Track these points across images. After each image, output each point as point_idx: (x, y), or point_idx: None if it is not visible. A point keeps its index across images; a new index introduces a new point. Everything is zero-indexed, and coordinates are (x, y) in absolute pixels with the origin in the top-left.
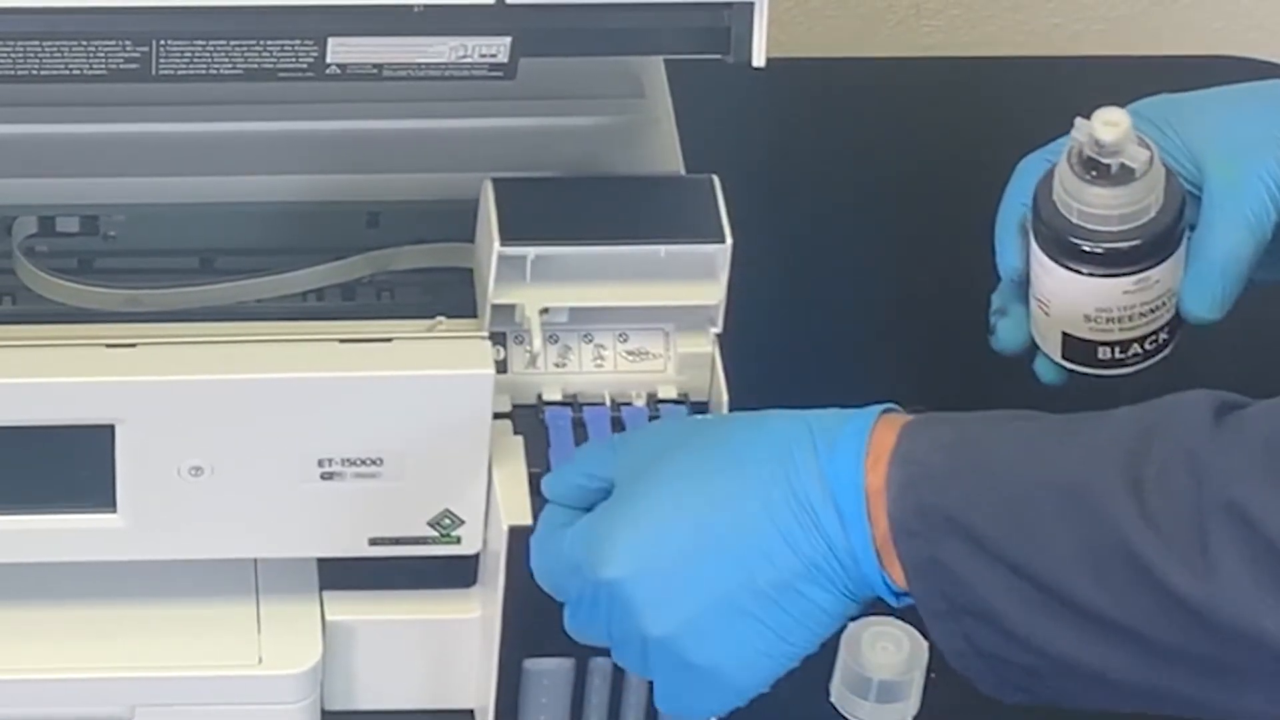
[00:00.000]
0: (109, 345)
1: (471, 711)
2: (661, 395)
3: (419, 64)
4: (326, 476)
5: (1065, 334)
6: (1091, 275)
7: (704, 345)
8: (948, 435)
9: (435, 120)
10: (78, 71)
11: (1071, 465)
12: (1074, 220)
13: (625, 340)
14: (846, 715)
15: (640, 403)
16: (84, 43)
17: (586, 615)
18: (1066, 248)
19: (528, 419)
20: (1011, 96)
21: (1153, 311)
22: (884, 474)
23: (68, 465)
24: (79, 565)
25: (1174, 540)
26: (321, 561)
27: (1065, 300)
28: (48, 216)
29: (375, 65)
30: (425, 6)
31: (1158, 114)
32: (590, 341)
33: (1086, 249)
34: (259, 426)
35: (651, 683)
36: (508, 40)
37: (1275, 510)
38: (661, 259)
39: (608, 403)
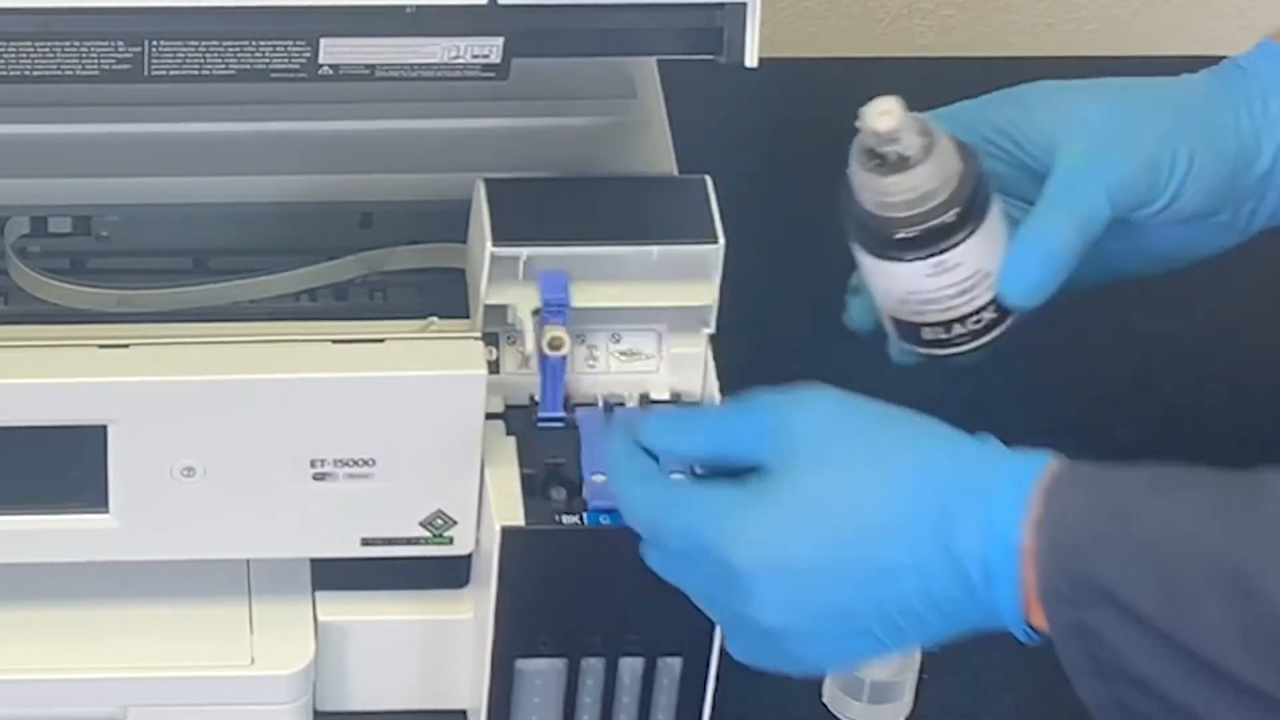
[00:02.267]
0: (101, 346)
1: (464, 712)
2: (654, 396)
3: (411, 64)
4: (319, 477)
5: (891, 317)
6: (890, 260)
7: (696, 346)
8: (1099, 501)
9: (428, 121)
10: (70, 72)
11: (1229, 545)
12: (867, 209)
13: (618, 340)
14: (839, 716)
15: (633, 403)
16: (77, 43)
17: (685, 572)
18: (864, 235)
19: (520, 420)
20: None
21: (965, 293)
22: (1036, 537)
23: (60, 466)
24: (71, 566)
25: None
26: (314, 562)
27: (880, 285)
28: (40, 217)
29: (368, 66)
30: (417, 7)
31: (1033, 98)
32: (583, 342)
33: (880, 235)
34: (251, 427)
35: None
36: (500, 41)
37: None
38: (654, 260)
39: (600, 403)
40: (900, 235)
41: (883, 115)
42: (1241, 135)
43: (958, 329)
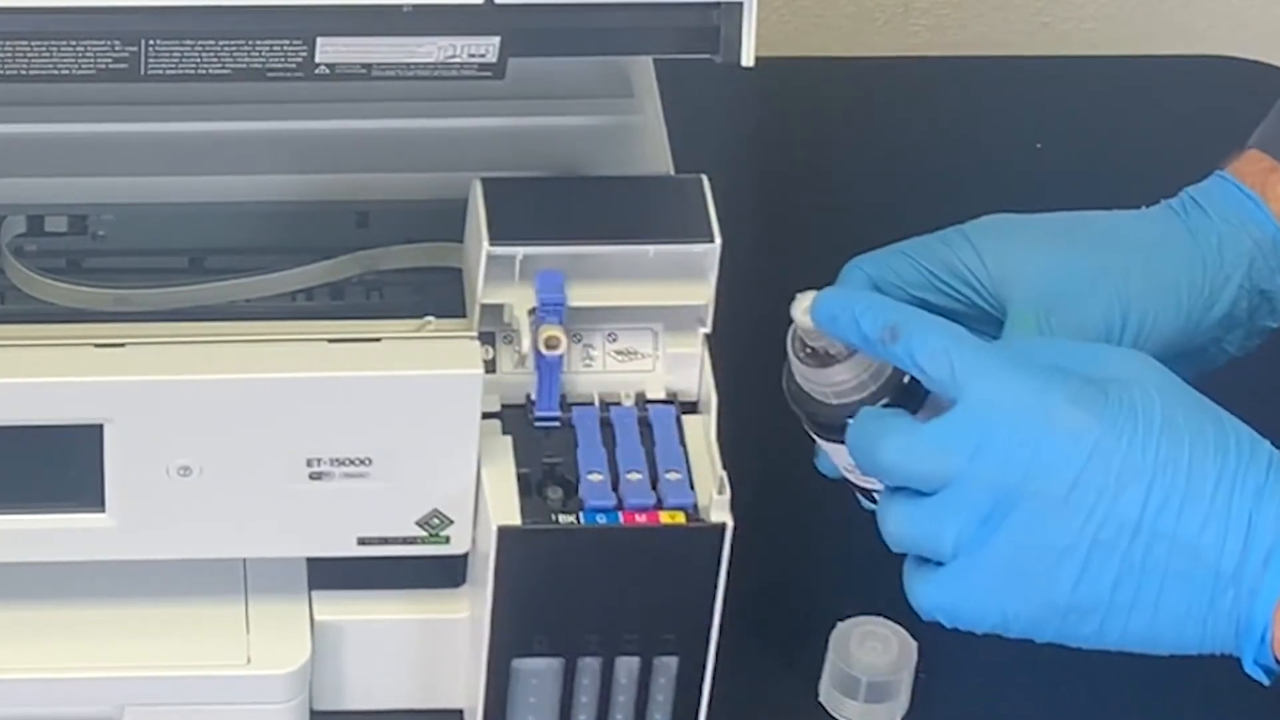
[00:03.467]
0: (98, 345)
1: (460, 711)
2: (650, 395)
3: (408, 64)
4: (315, 476)
5: (845, 479)
6: (825, 440)
7: (693, 345)
8: None
9: (424, 120)
10: (66, 71)
11: None
12: (802, 389)
13: (614, 340)
14: (835, 716)
15: (629, 403)
16: (73, 42)
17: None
18: (802, 412)
19: (516, 419)
20: (999, 96)
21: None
22: None
23: (56, 465)
24: (67, 565)
25: None
26: (310, 561)
27: (826, 453)
28: (36, 216)
29: (364, 65)
30: (414, 6)
31: (986, 243)
32: (579, 341)
33: (813, 417)
34: (248, 426)
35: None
36: (496, 40)
37: None
38: (650, 259)
39: (596, 403)
40: (827, 421)
41: (804, 314)
42: (1195, 290)
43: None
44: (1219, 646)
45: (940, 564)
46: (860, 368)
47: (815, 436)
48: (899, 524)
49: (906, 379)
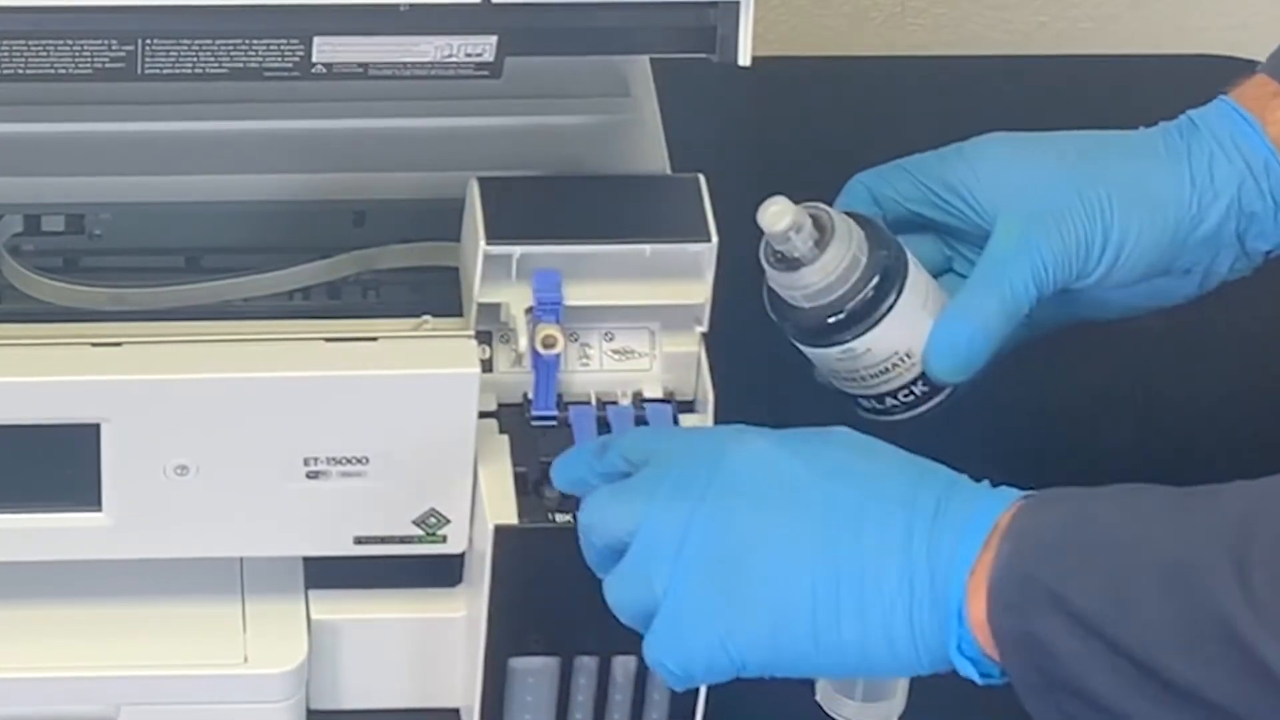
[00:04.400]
0: (94, 344)
1: (457, 710)
2: (647, 394)
3: (405, 63)
4: (312, 475)
5: (830, 382)
6: (804, 345)
7: (690, 344)
8: (1062, 511)
9: (421, 119)
10: (64, 70)
11: (1177, 543)
12: (779, 296)
13: (611, 339)
14: (832, 715)
15: (625, 401)
16: (70, 42)
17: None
18: (779, 319)
19: (513, 418)
20: (996, 95)
21: (883, 374)
22: (995, 548)
23: (53, 464)
24: (64, 564)
25: (1278, 622)
26: (307, 560)
27: (811, 359)
28: (33, 215)
29: (361, 64)
30: (411, 6)
31: (981, 160)
32: (576, 340)
33: (790, 322)
34: (245, 425)
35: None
36: (493, 39)
37: None
38: (647, 258)
39: (593, 401)
40: (801, 326)
41: (773, 216)
42: (1183, 205)
43: (890, 401)
44: (932, 649)
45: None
46: (827, 270)
47: (798, 344)
48: (613, 591)
49: (874, 283)
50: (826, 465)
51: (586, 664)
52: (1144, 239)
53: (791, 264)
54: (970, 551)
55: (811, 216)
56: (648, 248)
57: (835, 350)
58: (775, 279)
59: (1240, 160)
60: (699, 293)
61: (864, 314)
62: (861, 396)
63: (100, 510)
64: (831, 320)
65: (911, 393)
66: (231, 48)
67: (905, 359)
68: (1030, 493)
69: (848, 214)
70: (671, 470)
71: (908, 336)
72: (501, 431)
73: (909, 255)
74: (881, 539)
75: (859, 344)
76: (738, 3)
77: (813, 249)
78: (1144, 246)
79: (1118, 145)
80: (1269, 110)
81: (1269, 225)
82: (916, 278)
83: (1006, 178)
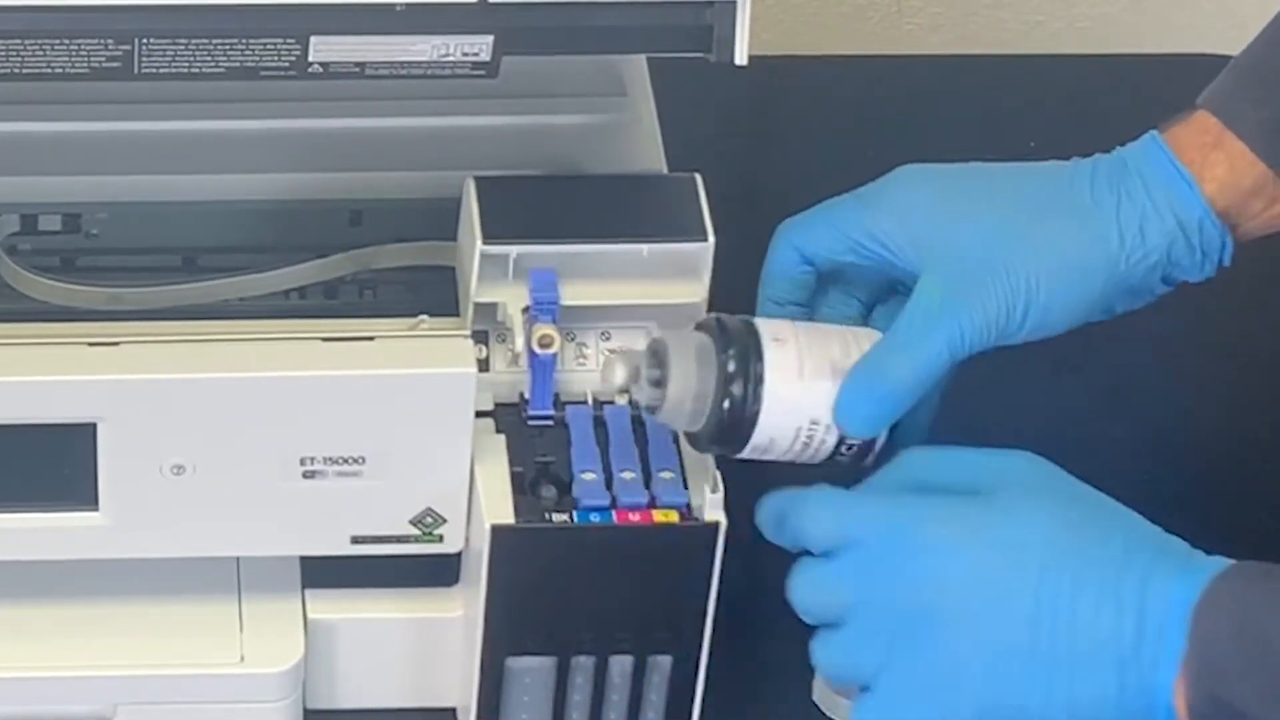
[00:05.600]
0: (91, 343)
1: (453, 710)
2: None
3: (401, 63)
4: (309, 475)
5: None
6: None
7: None
8: (1244, 626)
9: (418, 119)
10: (60, 70)
11: None
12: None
13: (608, 339)
14: (829, 715)
15: (622, 401)
16: (67, 41)
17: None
18: (692, 445)
19: (510, 418)
20: (992, 94)
21: (808, 445)
22: (1187, 655)
23: (50, 463)
24: (61, 563)
25: None
26: (304, 560)
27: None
28: (30, 214)
29: (358, 64)
30: (407, 5)
31: (908, 211)
32: (573, 340)
33: (699, 446)
34: (241, 425)
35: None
36: (490, 39)
37: None
38: (644, 258)
39: (590, 401)
40: (707, 445)
41: (607, 375)
42: (1112, 267)
43: (840, 459)
44: None
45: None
46: (680, 403)
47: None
48: (825, 658)
49: (730, 394)
50: (1030, 556)
51: (583, 664)
52: (1069, 302)
53: (651, 409)
54: (1174, 650)
55: (652, 352)
56: (644, 247)
57: (748, 453)
58: (656, 419)
59: (1173, 219)
60: (696, 292)
61: (738, 421)
62: (801, 465)
63: (97, 510)
64: (718, 436)
65: (852, 446)
66: (228, 47)
67: (816, 426)
68: (1220, 573)
69: (703, 322)
70: (876, 564)
71: (805, 408)
72: (498, 431)
73: (763, 335)
74: (1092, 638)
75: (758, 441)
76: (734, 2)
77: (656, 392)
78: (1068, 308)
79: (1049, 199)
80: (1207, 165)
81: (1195, 272)
82: (778, 356)
83: (931, 231)
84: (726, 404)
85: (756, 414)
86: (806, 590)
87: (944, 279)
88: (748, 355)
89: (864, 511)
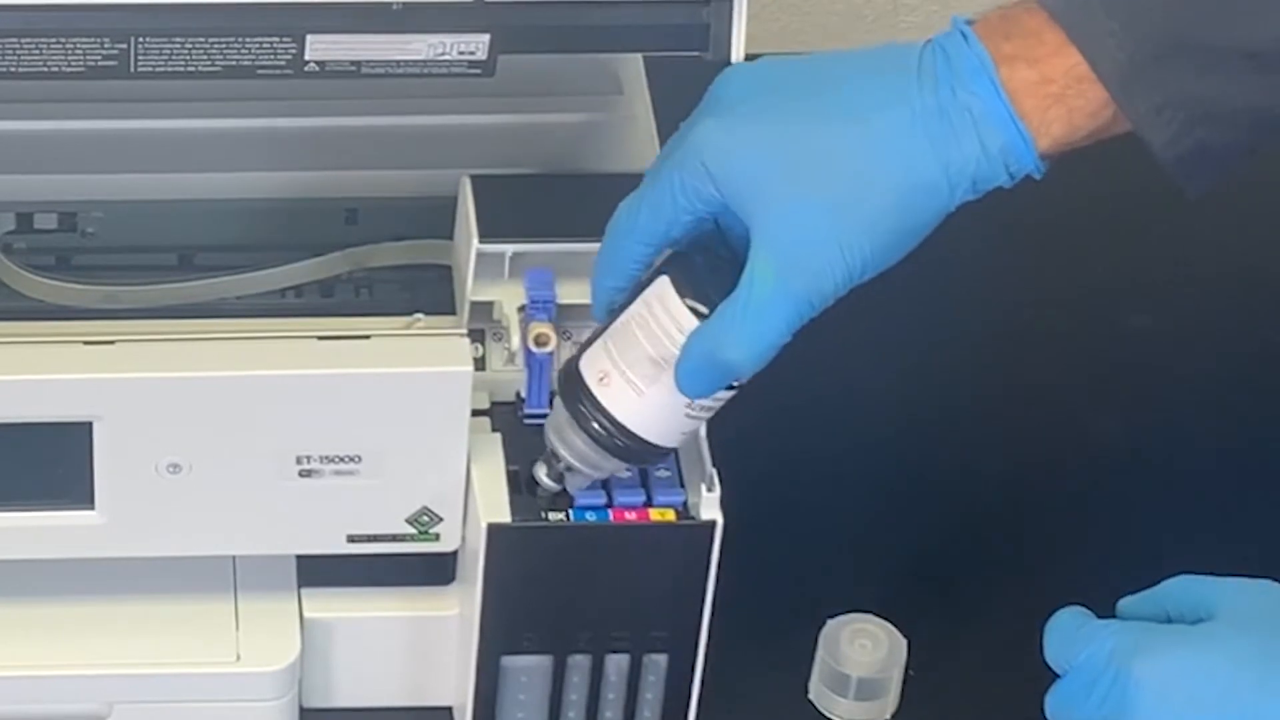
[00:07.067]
0: (87, 342)
1: (449, 709)
2: None
3: (397, 61)
4: (305, 474)
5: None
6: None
7: None
8: None
9: (414, 117)
10: (56, 68)
11: None
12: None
13: None
14: (825, 713)
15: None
16: (63, 40)
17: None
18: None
19: (506, 416)
20: None
21: (715, 404)
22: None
23: (46, 462)
24: (57, 562)
25: None
26: (300, 558)
27: None
28: (26, 213)
29: (354, 62)
30: (404, 4)
31: (735, 178)
32: (569, 338)
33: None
34: (237, 424)
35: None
36: (486, 37)
37: None
38: None
39: None
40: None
41: (546, 485)
42: (937, 216)
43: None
44: None
45: None
46: (590, 465)
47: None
48: None
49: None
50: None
51: (579, 662)
52: (901, 250)
53: (586, 485)
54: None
55: (549, 450)
56: None
57: (698, 428)
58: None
59: (1004, 171)
60: None
61: (642, 452)
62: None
63: (93, 508)
64: (648, 458)
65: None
66: (224, 46)
67: (692, 403)
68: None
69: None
70: (1246, 633)
71: (670, 405)
72: (494, 430)
73: (589, 382)
74: None
75: (677, 440)
76: (730, 1)
77: (573, 477)
78: (899, 254)
79: (879, 140)
80: (1048, 123)
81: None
82: (610, 394)
83: (764, 213)
84: (620, 448)
85: (646, 440)
86: (1051, 708)
87: (775, 256)
88: (594, 409)
89: (1209, 583)
